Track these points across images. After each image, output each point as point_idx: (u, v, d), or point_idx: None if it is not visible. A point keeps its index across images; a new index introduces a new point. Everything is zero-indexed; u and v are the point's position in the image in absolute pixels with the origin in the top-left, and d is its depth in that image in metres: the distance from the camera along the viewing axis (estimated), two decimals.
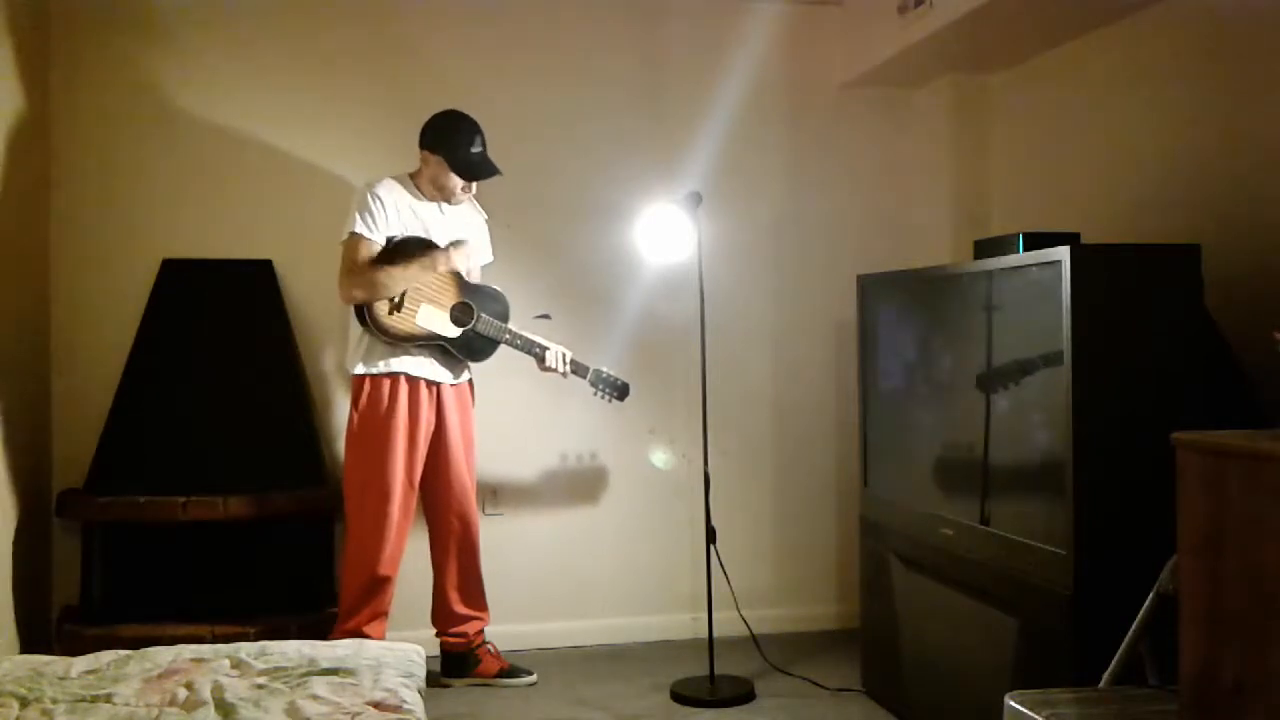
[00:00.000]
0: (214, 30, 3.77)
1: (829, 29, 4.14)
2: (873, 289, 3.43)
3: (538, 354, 3.52)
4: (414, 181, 3.45)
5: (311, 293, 3.80)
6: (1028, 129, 3.85)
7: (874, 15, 3.85)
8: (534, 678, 3.58)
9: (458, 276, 3.44)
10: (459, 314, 3.41)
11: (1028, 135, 3.85)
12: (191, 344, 3.62)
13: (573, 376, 3.57)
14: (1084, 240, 2.64)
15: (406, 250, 3.33)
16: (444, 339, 3.38)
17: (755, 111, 4.11)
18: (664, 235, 3.60)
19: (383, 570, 3.35)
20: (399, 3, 3.89)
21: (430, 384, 3.41)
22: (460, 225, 3.51)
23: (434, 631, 3.56)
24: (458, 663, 3.56)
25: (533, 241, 3.95)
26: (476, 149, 3.41)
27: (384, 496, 3.33)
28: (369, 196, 3.32)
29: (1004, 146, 3.99)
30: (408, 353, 3.36)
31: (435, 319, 3.36)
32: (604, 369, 3.61)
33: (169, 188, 3.75)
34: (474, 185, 3.48)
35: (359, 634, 3.21)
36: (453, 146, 3.38)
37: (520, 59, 3.97)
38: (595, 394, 3.61)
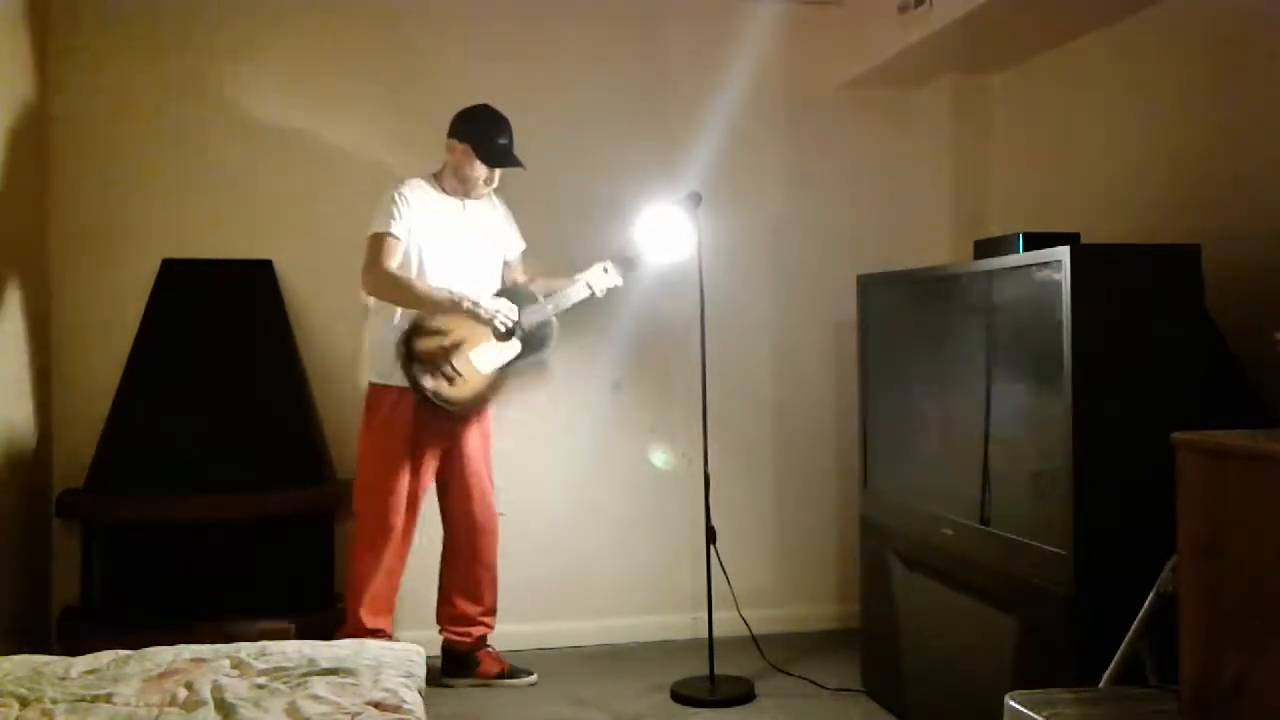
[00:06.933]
0: (215, 31, 3.77)
1: (829, 29, 4.14)
2: (873, 289, 3.43)
3: (590, 295, 3.52)
4: (437, 180, 3.45)
5: (311, 293, 3.81)
6: (1028, 129, 3.85)
7: (874, 15, 3.85)
8: (534, 678, 3.58)
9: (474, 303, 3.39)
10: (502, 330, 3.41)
11: (1028, 135, 3.85)
12: (191, 344, 3.62)
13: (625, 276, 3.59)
14: (1084, 240, 2.64)
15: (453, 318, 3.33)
16: (513, 362, 3.40)
17: (755, 111, 4.11)
18: (664, 235, 3.60)
19: (387, 577, 3.36)
20: (401, 4, 3.89)
21: None
22: (481, 221, 3.51)
23: (437, 629, 3.57)
24: (458, 662, 3.56)
25: (533, 241, 3.93)
26: (504, 140, 3.42)
27: (390, 505, 3.34)
28: (396, 196, 3.32)
29: (1004, 146, 3.99)
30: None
31: (491, 354, 3.37)
32: (625, 251, 3.60)
33: (169, 188, 3.75)
34: (496, 178, 3.47)
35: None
36: (482, 134, 3.39)
37: (521, 60, 3.97)
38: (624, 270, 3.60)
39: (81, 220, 3.71)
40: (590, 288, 3.52)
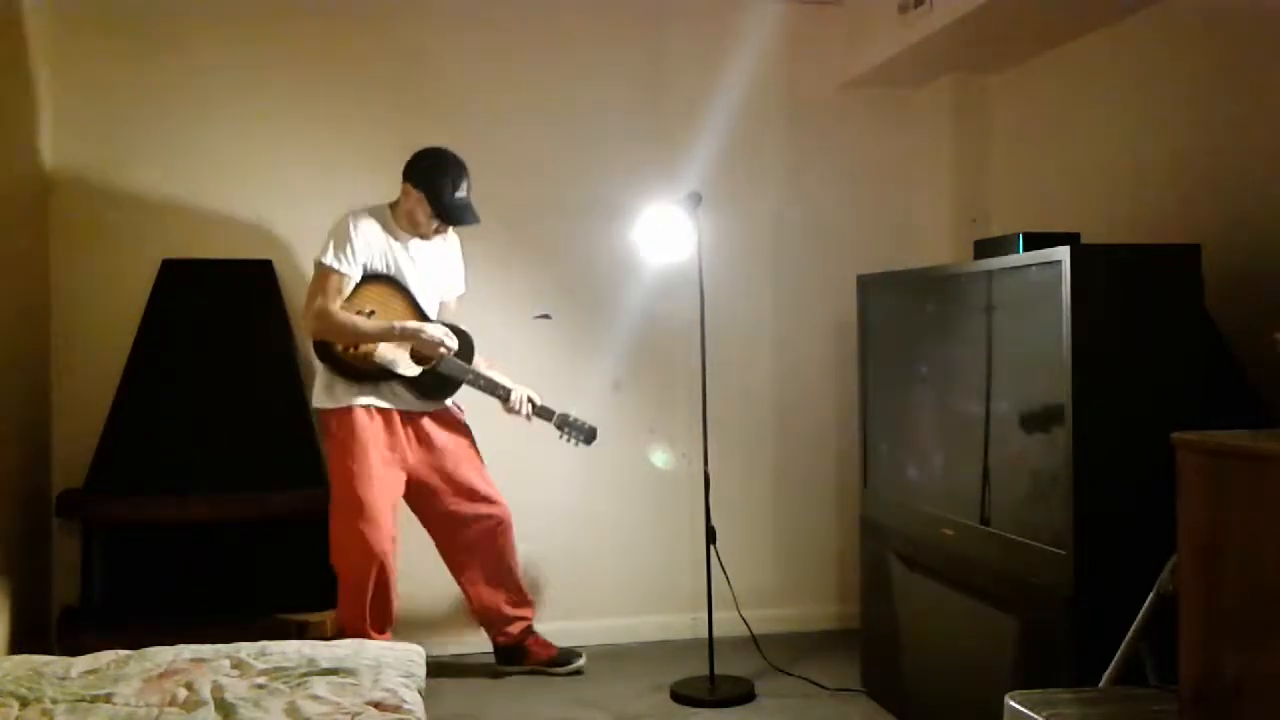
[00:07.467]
0: (215, 31, 3.77)
1: (829, 29, 4.14)
2: (873, 289, 3.43)
3: (501, 396, 3.44)
4: (393, 212, 3.38)
5: None
6: (1028, 129, 3.85)
7: (874, 15, 3.85)
8: (583, 660, 3.63)
9: (422, 314, 3.39)
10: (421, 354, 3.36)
11: (1028, 135, 3.85)
12: (191, 344, 3.62)
13: (538, 421, 3.49)
14: (1084, 240, 2.64)
15: (380, 295, 3.30)
16: (402, 376, 3.33)
17: (755, 111, 4.11)
18: (664, 235, 3.60)
19: (382, 593, 3.32)
20: (400, 5, 3.89)
21: (404, 414, 3.37)
22: (428, 263, 3.45)
23: (483, 630, 3.63)
24: (508, 654, 3.62)
25: (533, 241, 3.95)
26: (461, 193, 3.34)
27: (368, 529, 3.27)
28: (350, 227, 3.27)
29: (1004, 146, 3.99)
30: (375, 385, 3.31)
31: (395, 354, 3.31)
32: (571, 414, 3.53)
33: (169, 188, 3.75)
34: (449, 228, 3.44)
35: None
36: (437, 186, 3.30)
37: (521, 60, 3.97)
38: (562, 438, 3.53)
39: (81, 220, 3.71)
40: (508, 392, 3.43)
